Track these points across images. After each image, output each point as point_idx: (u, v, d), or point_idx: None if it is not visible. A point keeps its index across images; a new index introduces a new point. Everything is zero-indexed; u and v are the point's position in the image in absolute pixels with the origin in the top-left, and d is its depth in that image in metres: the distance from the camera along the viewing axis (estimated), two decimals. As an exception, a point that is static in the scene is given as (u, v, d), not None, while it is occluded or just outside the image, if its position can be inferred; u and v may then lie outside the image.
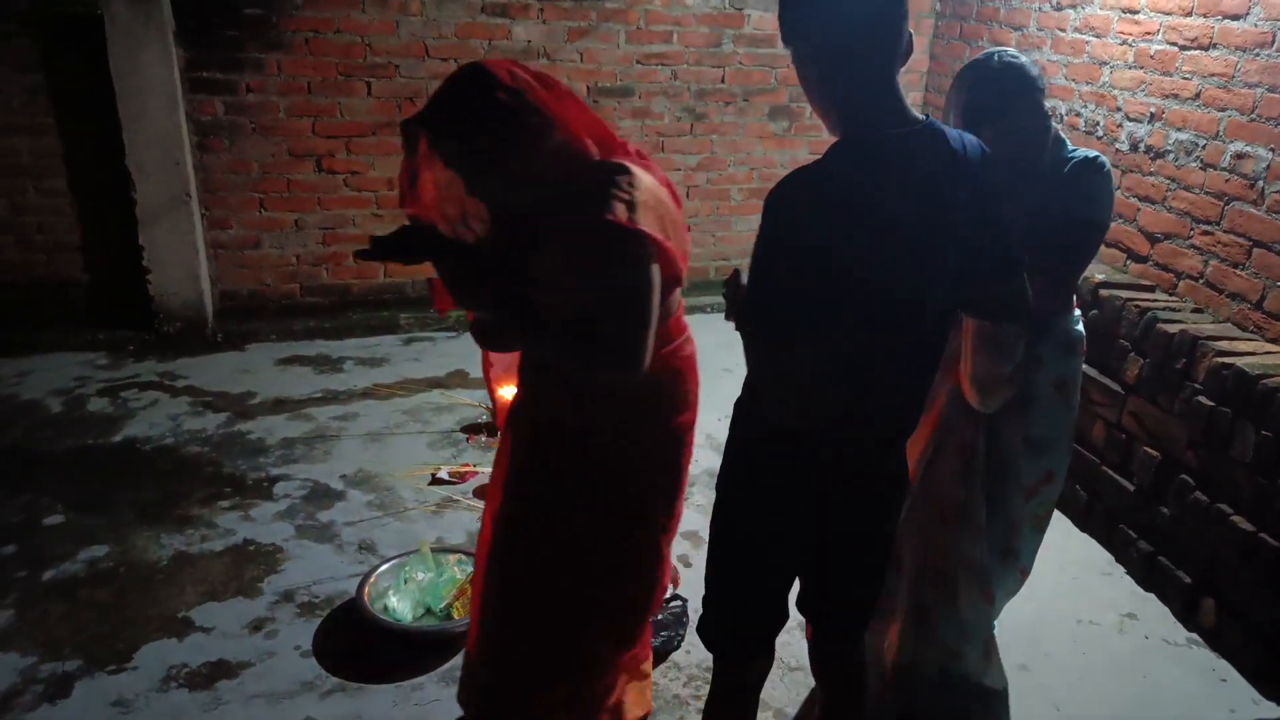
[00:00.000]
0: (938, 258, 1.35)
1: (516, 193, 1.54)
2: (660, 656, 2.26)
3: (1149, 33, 3.05)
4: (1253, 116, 2.65)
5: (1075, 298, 1.96)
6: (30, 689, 2.12)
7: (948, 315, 1.47)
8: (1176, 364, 2.55)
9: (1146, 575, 2.66)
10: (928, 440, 1.92)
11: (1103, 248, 3.29)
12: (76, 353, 3.91)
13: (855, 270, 1.31)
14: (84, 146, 3.92)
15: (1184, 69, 2.90)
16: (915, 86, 4.61)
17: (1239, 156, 2.70)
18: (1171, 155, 2.97)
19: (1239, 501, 2.34)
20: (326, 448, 3.26)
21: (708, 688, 1.73)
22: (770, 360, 1.37)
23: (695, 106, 4.54)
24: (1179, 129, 2.93)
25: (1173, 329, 2.59)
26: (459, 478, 3.08)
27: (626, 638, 1.80)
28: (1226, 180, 2.74)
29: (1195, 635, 2.46)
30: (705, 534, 1.67)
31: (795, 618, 1.71)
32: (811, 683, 2.07)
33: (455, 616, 2.30)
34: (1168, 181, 2.99)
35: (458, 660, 2.20)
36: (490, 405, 3.12)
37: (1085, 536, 2.90)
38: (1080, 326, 1.95)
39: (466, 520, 2.85)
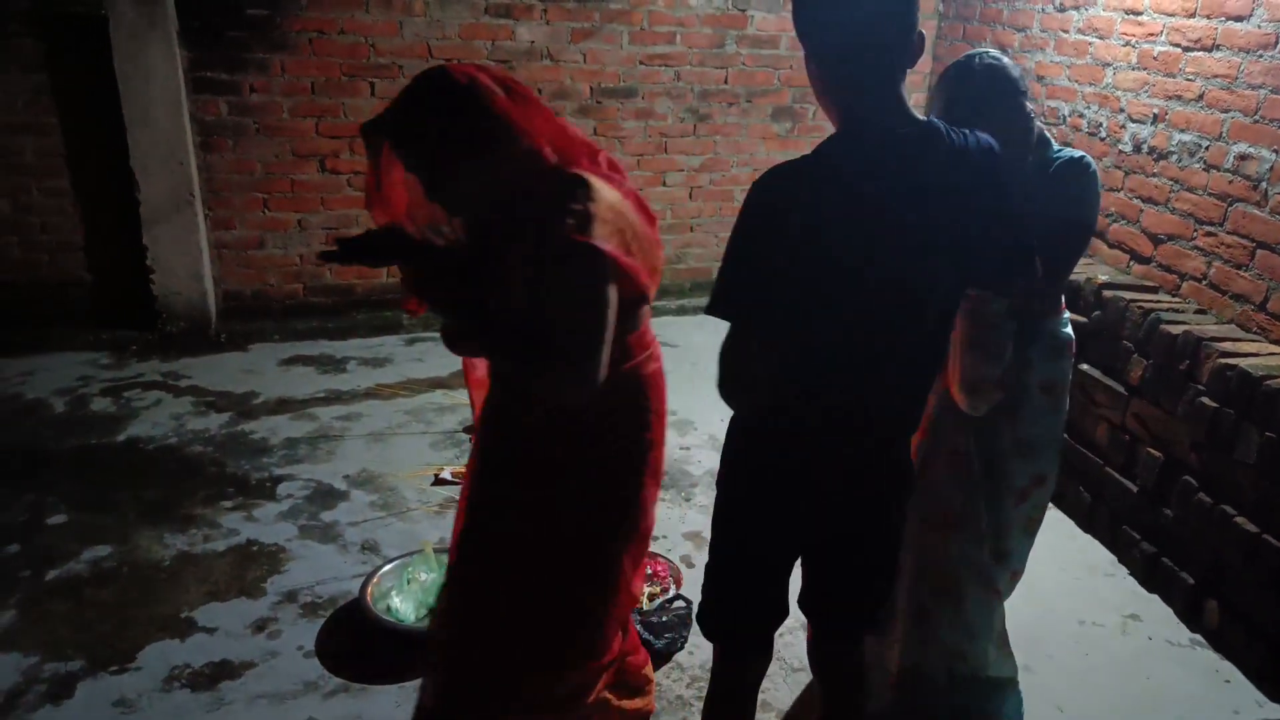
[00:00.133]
0: (935, 254, 1.35)
1: (474, 199, 1.53)
2: (664, 658, 2.27)
3: (1152, 34, 3.05)
4: (1256, 118, 2.64)
5: (1063, 300, 1.95)
6: (33, 688, 2.12)
7: (951, 312, 1.46)
8: (1180, 365, 2.55)
9: (1149, 576, 2.66)
10: (918, 446, 1.92)
11: (1105, 249, 3.29)
12: (80, 352, 3.91)
13: (834, 262, 1.32)
14: (88, 146, 3.93)
15: (1187, 70, 2.90)
16: (918, 88, 4.60)
17: (1242, 158, 2.69)
18: (1175, 156, 2.96)
19: (1242, 503, 2.34)
20: (330, 448, 3.26)
21: (711, 688, 1.73)
22: (731, 349, 1.37)
23: (698, 107, 4.54)
24: (1182, 130, 2.93)
25: (1176, 330, 2.59)
26: (462, 478, 3.07)
27: (589, 645, 1.77)
28: (1230, 181, 2.74)
29: (1199, 636, 2.46)
30: (708, 534, 1.67)
31: (800, 618, 1.71)
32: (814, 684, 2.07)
33: (458, 617, 2.30)
34: (1171, 183, 2.98)
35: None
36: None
37: (1088, 537, 2.90)
38: (1069, 329, 1.94)
39: (469, 520, 2.85)
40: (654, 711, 2.04)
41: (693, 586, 2.38)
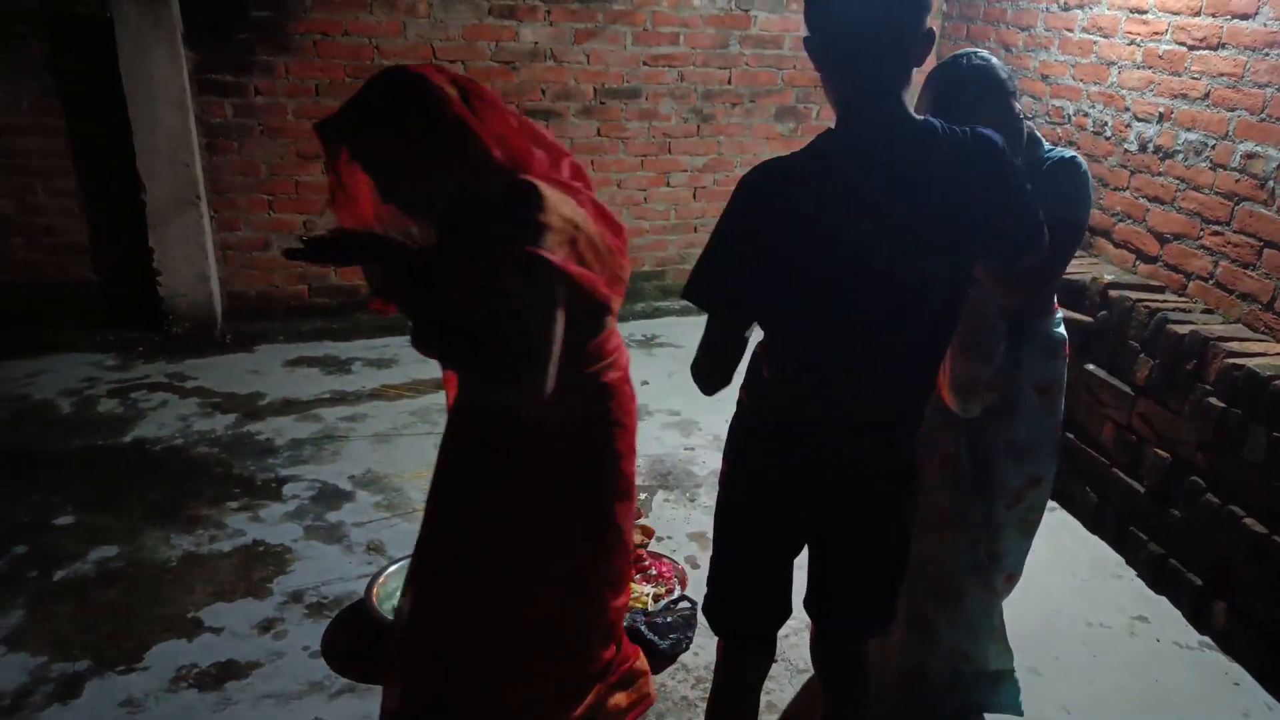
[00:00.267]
0: (932, 249, 1.34)
1: (427, 202, 1.53)
2: (669, 659, 2.26)
3: (1157, 33, 3.04)
4: (1263, 116, 2.63)
5: (1055, 299, 1.94)
6: (40, 688, 2.13)
7: (952, 306, 1.44)
8: (1187, 365, 2.54)
9: (1157, 577, 2.65)
10: None
11: (1111, 248, 3.28)
12: (86, 354, 3.92)
13: (825, 255, 1.32)
14: (93, 148, 3.94)
15: (1193, 69, 2.89)
16: (916, 85, 4.60)
17: (1249, 156, 2.68)
18: (1181, 155, 2.95)
19: (1250, 504, 2.33)
20: (335, 448, 3.26)
21: (716, 689, 1.73)
22: (705, 335, 1.43)
23: (702, 108, 4.54)
24: (1188, 129, 2.92)
25: (1183, 330, 2.58)
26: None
27: (564, 657, 1.74)
28: (1236, 180, 2.73)
29: (1207, 638, 2.45)
30: (713, 534, 1.67)
31: (806, 619, 1.71)
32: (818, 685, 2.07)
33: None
34: (1177, 182, 2.97)
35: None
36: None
37: (1095, 539, 2.89)
38: (1062, 329, 1.93)
39: (474, 521, 2.86)
40: (654, 700, 2.02)
41: (697, 587, 2.37)
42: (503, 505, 1.65)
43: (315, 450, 3.25)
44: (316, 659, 2.25)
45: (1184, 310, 2.74)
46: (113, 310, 4.13)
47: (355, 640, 2.30)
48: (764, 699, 2.03)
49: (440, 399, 3.65)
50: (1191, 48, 2.89)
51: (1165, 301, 2.80)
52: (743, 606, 1.63)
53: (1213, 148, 2.82)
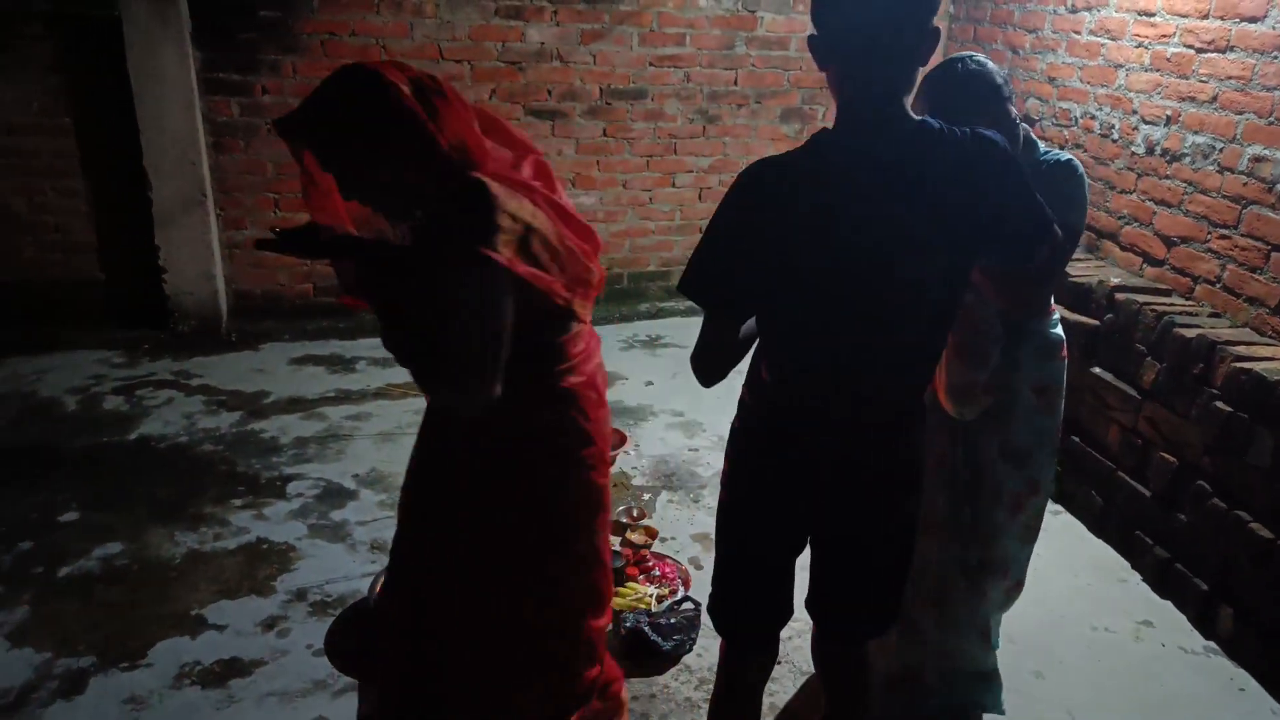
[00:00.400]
0: (930, 248, 1.34)
1: (385, 200, 1.52)
2: (672, 660, 2.26)
3: (1165, 35, 3.03)
4: (1271, 119, 2.62)
5: (1052, 300, 1.93)
6: (45, 685, 2.14)
7: (950, 305, 1.44)
8: (1193, 369, 2.53)
9: (1162, 582, 2.64)
10: None
11: (1118, 251, 3.27)
12: (92, 351, 3.94)
13: (820, 252, 1.32)
14: (101, 147, 3.95)
15: (1201, 72, 2.88)
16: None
17: (1257, 160, 2.67)
18: (1188, 158, 2.95)
19: (1256, 508, 2.32)
20: (339, 447, 3.27)
21: (719, 690, 1.73)
22: (703, 329, 1.44)
23: (708, 109, 4.54)
24: (1196, 132, 2.91)
25: (1190, 333, 2.57)
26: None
27: (543, 668, 1.72)
28: (1244, 184, 2.72)
29: (1212, 643, 2.44)
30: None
31: (809, 620, 1.70)
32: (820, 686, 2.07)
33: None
34: (1184, 185, 2.96)
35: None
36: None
37: (1100, 542, 2.88)
38: (1059, 329, 1.93)
39: (478, 521, 2.86)
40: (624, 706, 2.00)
41: (701, 588, 2.37)
42: (463, 510, 1.63)
43: (320, 449, 3.25)
44: (320, 657, 2.25)
45: (1191, 314, 2.73)
46: (119, 308, 4.15)
47: (358, 639, 2.30)
48: (767, 700, 2.03)
49: (445, 399, 3.67)
50: (1199, 50, 2.89)
51: (1172, 305, 2.79)
52: (744, 606, 1.63)
53: (1220, 151, 2.81)
